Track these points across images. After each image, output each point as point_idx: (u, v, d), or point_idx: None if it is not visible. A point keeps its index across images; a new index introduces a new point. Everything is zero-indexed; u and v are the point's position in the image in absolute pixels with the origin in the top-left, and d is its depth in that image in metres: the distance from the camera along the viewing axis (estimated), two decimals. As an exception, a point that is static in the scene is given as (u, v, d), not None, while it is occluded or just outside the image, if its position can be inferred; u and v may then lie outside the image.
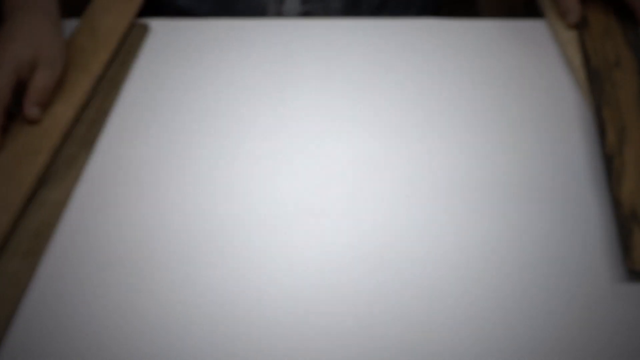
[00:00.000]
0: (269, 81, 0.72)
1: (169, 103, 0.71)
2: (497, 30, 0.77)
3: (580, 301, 0.54)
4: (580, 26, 0.74)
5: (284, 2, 0.83)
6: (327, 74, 0.72)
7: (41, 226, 0.59)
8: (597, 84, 0.68)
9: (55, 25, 0.70)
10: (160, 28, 0.81)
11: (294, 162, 0.65)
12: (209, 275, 0.57)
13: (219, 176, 0.64)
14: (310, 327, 0.54)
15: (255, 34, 0.76)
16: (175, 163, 0.65)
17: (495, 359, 0.50)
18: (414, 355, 0.52)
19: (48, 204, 0.61)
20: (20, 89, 0.66)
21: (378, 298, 0.56)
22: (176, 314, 0.55)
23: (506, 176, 0.64)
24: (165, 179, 0.64)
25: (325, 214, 0.61)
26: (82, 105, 0.69)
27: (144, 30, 0.79)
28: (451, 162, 0.65)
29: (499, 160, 0.66)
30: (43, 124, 0.66)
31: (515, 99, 0.71)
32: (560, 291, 0.54)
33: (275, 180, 0.64)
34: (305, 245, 0.59)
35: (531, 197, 0.62)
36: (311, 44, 0.75)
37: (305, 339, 0.53)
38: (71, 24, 0.78)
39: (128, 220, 0.61)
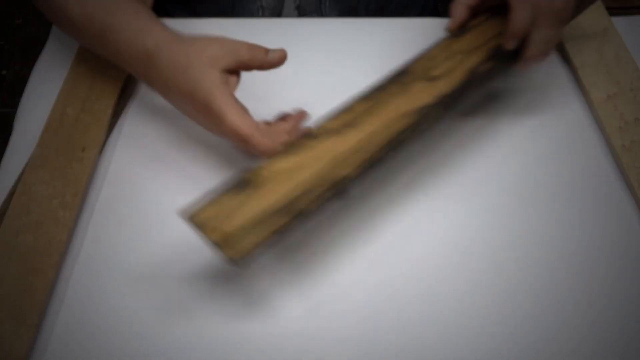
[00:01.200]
0: (267, 80, 0.72)
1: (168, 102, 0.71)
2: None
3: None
4: (456, 34, 0.67)
5: (281, 14, 0.83)
6: (326, 73, 0.73)
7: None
8: (390, 78, 0.62)
9: None
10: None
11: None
12: (208, 273, 0.58)
13: (216, 174, 0.64)
14: (311, 325, 0.54)
15: (255, 33, 0.76)
16: (175, 163, 0.66)
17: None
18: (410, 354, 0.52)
19: None
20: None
21: (378, 298, 0.56)
22: (176, 313, 0.55)
23: (506, 176, 0.65)
24: (164, 181, 0.64)
25: (323, 213, 0.62)
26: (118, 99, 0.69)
27: None
28: (449, 161, 0.66)
29: (498, 160, 0.66)
30: (86, 121, 0.67)
31: (515, 98, 0.71)
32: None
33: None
34: (304, 245, 0.60)
35: (537, 198, 0.63)
36: (311, 44, 0.75)
37: (304, 338, 0.54)
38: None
39: (127, 221, 0.61)
